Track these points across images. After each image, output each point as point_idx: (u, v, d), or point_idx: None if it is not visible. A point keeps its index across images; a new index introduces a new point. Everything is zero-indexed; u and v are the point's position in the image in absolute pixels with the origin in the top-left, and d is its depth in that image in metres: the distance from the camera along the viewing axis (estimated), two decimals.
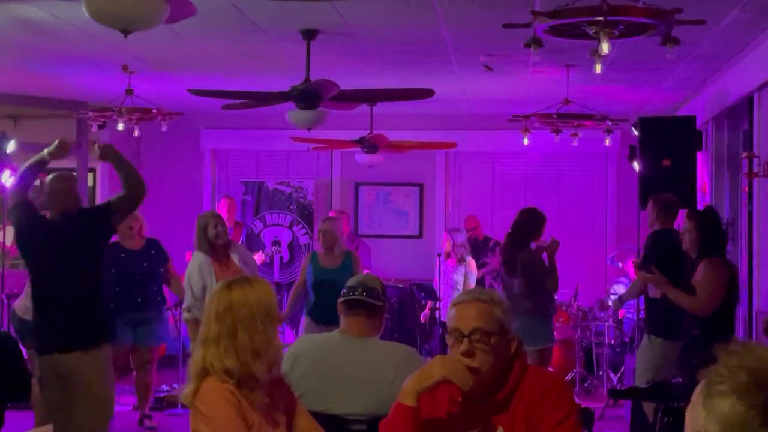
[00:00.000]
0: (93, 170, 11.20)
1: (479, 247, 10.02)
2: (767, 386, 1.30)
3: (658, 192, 6.76)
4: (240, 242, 9.46)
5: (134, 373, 7.59)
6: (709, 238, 5.68)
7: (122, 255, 7.27)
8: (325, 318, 6.77)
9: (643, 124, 8.15)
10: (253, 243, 11.06)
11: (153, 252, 7.47)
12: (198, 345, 3.09)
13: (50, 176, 5.43)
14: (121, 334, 7.08)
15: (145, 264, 7.40)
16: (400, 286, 10.07)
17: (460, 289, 9.05)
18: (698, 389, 1.37)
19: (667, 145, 7.87)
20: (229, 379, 2.98)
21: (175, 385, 8.31)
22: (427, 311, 9.76)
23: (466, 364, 2.69)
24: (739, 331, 7.66)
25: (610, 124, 8.28)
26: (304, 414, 3.27)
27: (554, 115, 8.09)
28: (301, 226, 11.60)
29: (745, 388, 1.30)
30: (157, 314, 7.50)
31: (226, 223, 7.22)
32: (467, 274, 9.29)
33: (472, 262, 9.44)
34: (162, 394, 8.09)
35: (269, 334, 3.05)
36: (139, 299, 7.34)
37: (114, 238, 7.17)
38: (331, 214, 9.58)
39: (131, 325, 7.31)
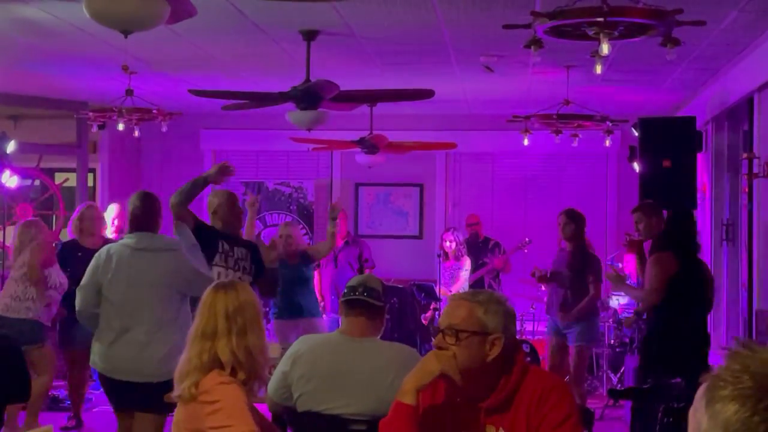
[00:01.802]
0: (93, 170, 11.20)
1: (479, 247, 10.02)
2: None
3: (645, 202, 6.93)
4: None
5: None
6: (665, 232, 6.04)
7: (79, 254, 7.03)
8: (289, 312, 7.71)
9: (643, 124, 8.16)
10: None
11: None
12: (196, 340, 3.13)
13: (220, 192, 6.16)
14: (79, 336, 6.62)
15: None
16: (400, 286, 10.07)
17: (466, 287, 9.17)
18: (700, 392, 1.34)
19: (667, 145, 7.87)
20: (236, 375, 3.05)
21: None
22: (429, 313, 9.76)
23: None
24: (740, 331, 7.67)
25: (610, 124, 8.27)
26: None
27: (554, 116, 8.09)
28: (301, 226, 11.60)
29: (749, 394, 1.26)
30: None
31: None
32: (463, 270, 9.38)
33: (465, 260, 9.49)
34: None
35: (265, 336, 3.21)
36: None
37: (72, 236, 7.27)
38: None
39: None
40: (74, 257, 7.03)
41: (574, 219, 7.47)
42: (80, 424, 7.46)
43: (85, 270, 6.96)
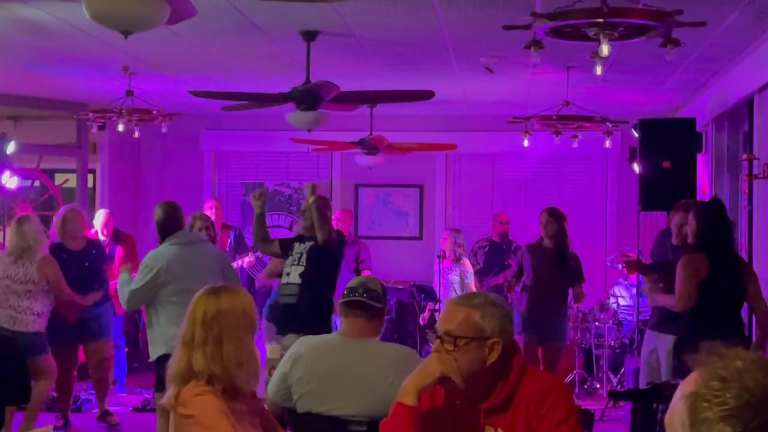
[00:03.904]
0: (93, 171, 11.20)
1: (503, 250, 9.99)
2: (757, 408, 1.23)
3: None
4: (228, 244, 9.46)
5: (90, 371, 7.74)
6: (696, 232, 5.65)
7: (64, 255, 7.16)
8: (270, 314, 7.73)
9: (643, 125, 8.15)
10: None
11: (94, 252, 7.47)
12: (179, 345, 3.08)
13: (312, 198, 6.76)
14: (67, 335, 7.19)
15: (86, 264, 7.35)
16: (400, 287, 10.07)
17: (457, 289, 9.10)
18: (679, 410, 1.29)
19: (667, 146, 7.87)
20: (213, 385, 2.98)
21: None
22: (426, 313, 9.76)
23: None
24: None
25: (610, 125, 8.28)
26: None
27: (554, 117, 8.09)
28: None
29: (735, 414, 1.23)
30: (98, 312, 7.42)
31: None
32: (463, 273, 9.32)
33: (467, 261, 9.46)
34: (150, 396, 8.07)
35: (251, 345, 3.08)
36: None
37: (55, 239, 7.31)
38: (337, 214, 9.61)
39: (74, 323, 7.25)
40: (59, 259, 7.01)
41: (556, 217, 7.53)
42: (68, 425, 7.48)
43: (70, 272, 7.00)
